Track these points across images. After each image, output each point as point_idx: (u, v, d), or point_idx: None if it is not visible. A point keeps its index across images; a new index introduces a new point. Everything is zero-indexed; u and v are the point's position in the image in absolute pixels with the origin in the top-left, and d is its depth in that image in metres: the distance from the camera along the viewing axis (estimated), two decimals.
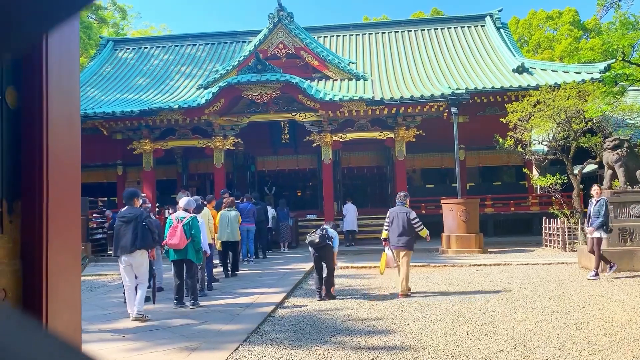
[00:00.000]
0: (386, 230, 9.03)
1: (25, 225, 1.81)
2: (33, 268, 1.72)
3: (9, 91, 1.75)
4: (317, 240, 8.60)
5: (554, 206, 16.66)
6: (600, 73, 17.19)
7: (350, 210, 17.57)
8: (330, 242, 8.65)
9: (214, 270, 10.84)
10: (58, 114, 1.89)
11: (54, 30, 0.41)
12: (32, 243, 1.81)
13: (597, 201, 10.27)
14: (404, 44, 24.58)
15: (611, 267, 10.14)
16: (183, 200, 8.38)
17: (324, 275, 8.68)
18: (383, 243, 9.20)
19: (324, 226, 8.94)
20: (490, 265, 12.30)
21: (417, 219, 8.90)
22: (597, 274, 9.83)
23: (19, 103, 1.80)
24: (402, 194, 9.30)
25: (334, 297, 8.60)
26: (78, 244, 1.93)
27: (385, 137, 17.93)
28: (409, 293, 8.71)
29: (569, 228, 15.04)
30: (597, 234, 10.14)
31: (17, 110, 1.78)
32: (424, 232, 9.04)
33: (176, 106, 17.34)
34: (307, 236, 8.92)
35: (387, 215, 9.08)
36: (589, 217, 10.39)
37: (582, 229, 14.41)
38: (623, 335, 5.78)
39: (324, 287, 8.65)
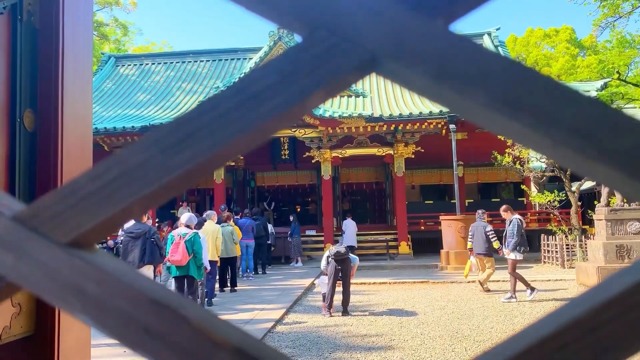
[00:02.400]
0: (470, 241, 10.86)
1: None
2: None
3: (26, 114, 1.84)
4: (343, 250, 8.65)
5: (552, 223, 16.73)
6: (597, 91, 17.38)
7: (349, 226, 17.63)
8: (349, 256, 8.92)
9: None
10: (72, 136, 1.98)
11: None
12: None
13: (510, 221, 9.94)
14: None
15: (532, 291, 9.69)
16: (185, 216, 8.45)
17: (332, 291, 8.70)
18: (469, 252, 11.11)
19: (336, 247, 9.01)
20: (489, 281, 12.33)
21: (492, 232, 10.47)
22: (513, 297, 9.54)
23: (36, 125, 1.89)
24: (480, 211, 11.12)
25: (348, 313, 8.65)
26: None
27: (384, 154, 18.06)
28: (489, 289, 10.53)
29: (567, 245, 15.09)
30: (512, 256, 9.80)
31: (34, 132, 1.87)
32: (496, 244, 10.38)
33: None
34: (328, 251, 8.93)
35: (469, 229, 11.03)
36: (505, 238, 10.03)
37: (580, 246, 14.48)
38: None
39: (342, 304, 8.71)
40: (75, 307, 0.25)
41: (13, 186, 1.75)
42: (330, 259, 8.70)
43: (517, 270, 9.90)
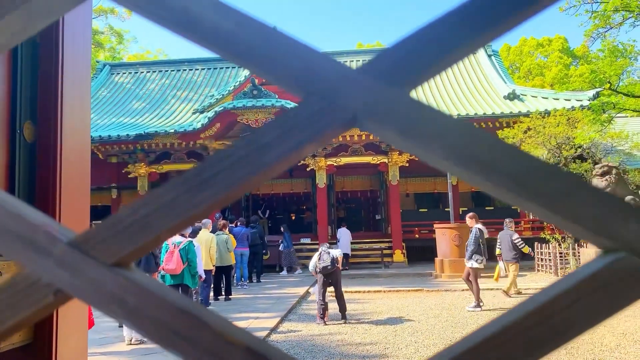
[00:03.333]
0: (499, 248, 11.50)
1: None
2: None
3: (26, 126, 1.89)
4: (329, 266, 8.62)
5: (545, 231, 16.82)
6: (589, 100, 17.56)
7: (344, 234, 17.68)
8: (338, 265, 8.83)
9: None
10: (71, 146, 2.03)
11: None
12: None
13: (471, 230, 10.22)
14: None
15: (477, 305, 9.71)
16: None
17: (323, 301, 8.72)
18: (497, 258, 11.64)
19: (325, 249, 8.93)
20: (483, 290, 12.38)
21: (519, 239, 11.11)
22: (478, 305, 9.61)
23: (35, 137, 1.93)
24: (507, 220, 11.67)
25: (347, 319, 8.73)
26: None
27: (378, 162, 18.15)
28: (513, 294, 10.99)
29: (560, 253, 15.17)
30: (469, 264, 10.01)
31: (34, 143, 1.92)
32: (526, 249, 11.21)
33: (172, 130, 17.53)
34: (314, 263, 8.85)
35: (498, 237, 11.69)
36: (466, 247, 10.28)
37: (574, 254, 14.57)
38: None
39: (339, 311, 8.78)
40: (118, 315, 0.31)
41: (12, 195, 1.79)
42: (317, 270, 8.72)
43: (479, 280, 10.12)
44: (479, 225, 10.26)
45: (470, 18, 0.31)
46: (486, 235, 10.44)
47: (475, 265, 9.95)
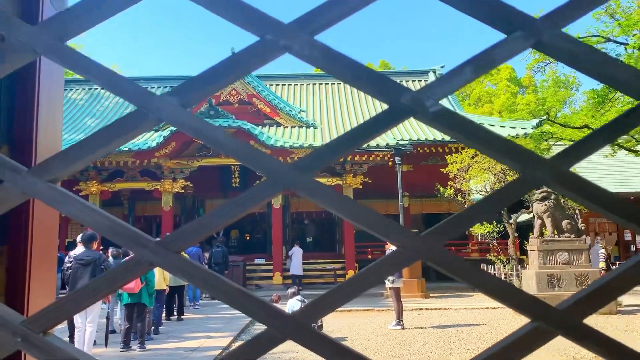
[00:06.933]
0: None
1: (10, 266, 2.12)
2: (15, 305, 2.02)
3: (3, 149, 2.08)
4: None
5: (491, 253, 17.54)
6: (532, 129, 18.58)
7: (296, 253, 17.93)
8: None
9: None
10: None
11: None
12: (15, 282, 2.12)
13: (386, 252, 10.72)
14: (352, 95, 25.70)
15: (398, 323, 10.12)
16: None
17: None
18: None
19: (296, 299, 8.98)
20: (431, 309, 12.83)
21: None
22: (399, 323, 10.06)
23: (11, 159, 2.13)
24: None
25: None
26: (54, 284, 2.24)
27: (333, 183, 18.54)
28: None
29: (505, 274, 15.86)
30: (386, 284, 10.59)
31: None
32: None
33: (126, 148, 17.39)
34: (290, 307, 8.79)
35: None
36: None
37: (517, 275, 15.27)
38: None
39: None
40: (182, 277, 0.58)
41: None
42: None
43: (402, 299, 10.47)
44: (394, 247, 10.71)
45: (349, 139, 0.60)
46: None
47: (389, 284, 10.36)
